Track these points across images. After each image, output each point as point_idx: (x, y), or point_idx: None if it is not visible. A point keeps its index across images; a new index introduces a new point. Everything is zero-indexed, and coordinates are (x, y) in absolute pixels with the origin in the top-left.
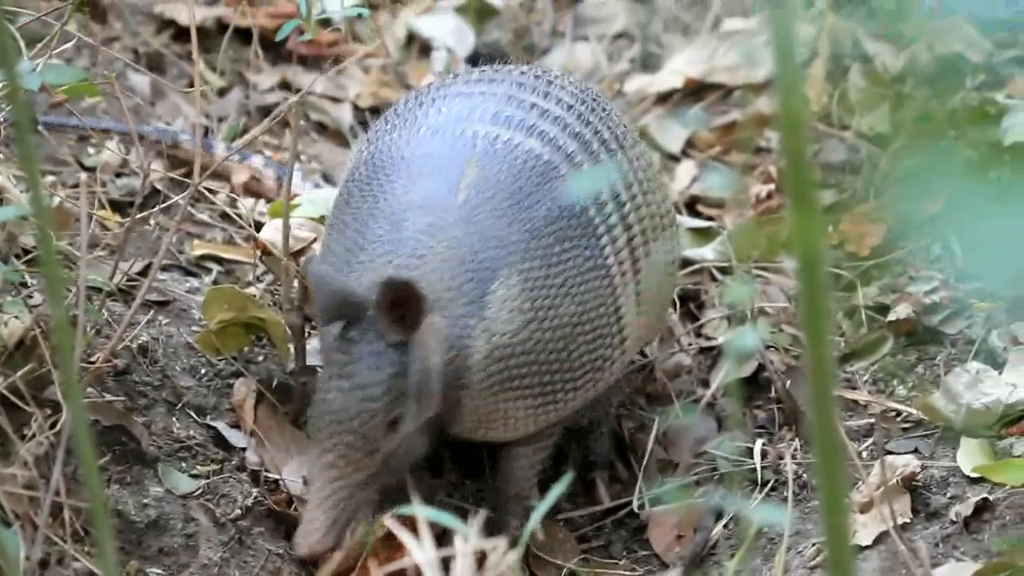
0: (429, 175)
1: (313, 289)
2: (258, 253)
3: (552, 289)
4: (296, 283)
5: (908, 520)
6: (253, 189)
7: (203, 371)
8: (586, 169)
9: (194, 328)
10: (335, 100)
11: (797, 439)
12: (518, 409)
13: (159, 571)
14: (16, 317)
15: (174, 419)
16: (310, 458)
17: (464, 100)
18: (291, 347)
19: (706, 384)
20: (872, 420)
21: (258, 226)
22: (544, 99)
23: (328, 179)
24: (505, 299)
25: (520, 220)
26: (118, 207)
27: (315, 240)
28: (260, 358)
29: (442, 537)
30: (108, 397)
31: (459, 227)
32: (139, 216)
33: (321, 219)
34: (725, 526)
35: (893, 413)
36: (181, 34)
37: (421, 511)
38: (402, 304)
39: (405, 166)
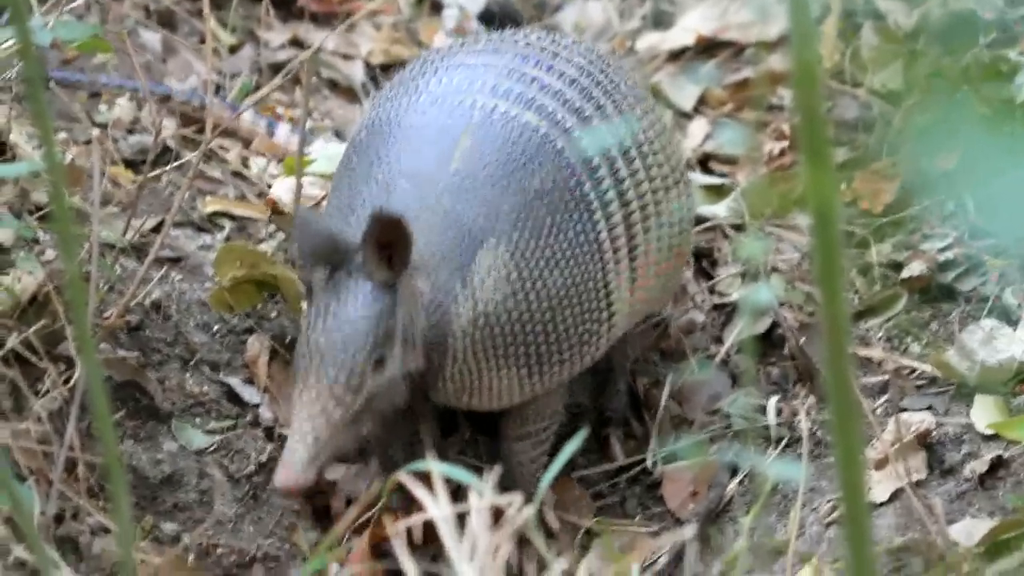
0: (425, 143)
1: (298, 232)
2: (269, 211)
3: (540, 260)
4: None
5: (923, 477)
6: (266, 147)
7: (216, 327)
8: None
9: (207, 285)
10: (347, 57)
11: (811, 396)
12: (501, 378)
13: (173, 526)
14: (30, 273)
15: (188, 375)
16: (292, 394)
17: (466, 71)
18: (303, 303)
19: (720, 341)
20: (886, 377)
21: (269, 185)
22: (547, 72)
23: (340, 136)
24: (491, 268)
25: (511, 191)
26: (131, 164)
27: (325, 197)
28: (273, 314)
29: (456, 494)
30: (122, 353)
31: (449, 195)
32: (152, 173)
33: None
34: (740, 483)
35: (907, 370)
36: None
37: (436, 467)
38: (389, 244)
39: (402, 134)
